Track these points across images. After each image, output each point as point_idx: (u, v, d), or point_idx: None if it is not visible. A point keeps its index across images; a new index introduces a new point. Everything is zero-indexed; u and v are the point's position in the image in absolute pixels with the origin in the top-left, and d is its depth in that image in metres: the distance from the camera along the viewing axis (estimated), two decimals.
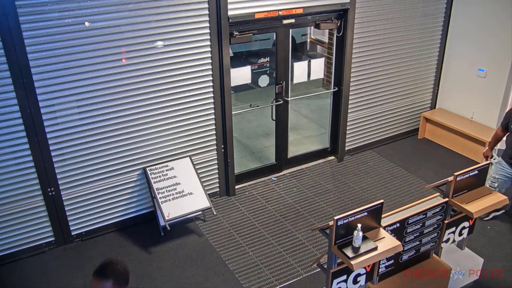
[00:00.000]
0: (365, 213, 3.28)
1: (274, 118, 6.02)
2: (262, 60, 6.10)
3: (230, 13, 4.94)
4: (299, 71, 5.97)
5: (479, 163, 4.36)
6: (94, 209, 5.02)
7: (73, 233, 4.99)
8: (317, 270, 4.56)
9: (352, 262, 3.13)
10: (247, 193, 5.88)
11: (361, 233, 3.19)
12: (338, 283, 3.40)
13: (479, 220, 5.24)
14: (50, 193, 4.70)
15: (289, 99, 5.94)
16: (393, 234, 3.48)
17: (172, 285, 4.45)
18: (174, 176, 5.10)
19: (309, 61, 6.03)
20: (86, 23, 4.32)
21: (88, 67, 4.47)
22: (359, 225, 3.19)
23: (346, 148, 6.64)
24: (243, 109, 6.65)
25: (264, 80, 5.95)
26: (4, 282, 4.49)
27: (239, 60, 7.75)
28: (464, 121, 6.82)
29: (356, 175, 6.24)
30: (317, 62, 6.13)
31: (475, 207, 3.75)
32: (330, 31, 6.17)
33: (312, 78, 6.12)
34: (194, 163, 5.27)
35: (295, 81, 5.98)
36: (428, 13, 6.53)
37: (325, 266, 3.48)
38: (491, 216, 5.31)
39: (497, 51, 6.26)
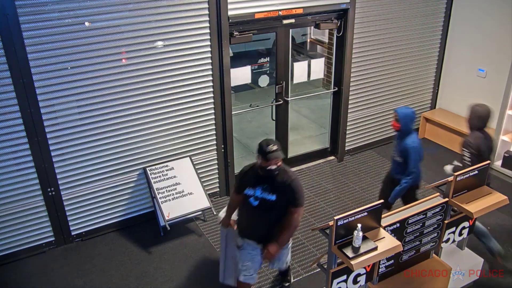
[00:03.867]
0: (365, 213, 3.28)
1: (274, 118, 6.02)
2: (262, 60, 6.09)
3: (230, 13, 4.93)
4: (299, 71, 5.97)
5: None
6: (94, 209, 5.02)
7: (73, 233, 4.99)
8: (317, 270, 4.56)
9: (352, 262, 3.13)
10: None
11: (361, 233, 3.19)
12: (338, 283, 3.40)
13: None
14: (50, 193, 4.70)
15: (289, 99, 5.94)
16: (393, 234, 3.48)
17: (172, 285, 4.45)
18: (174, 176, 5.10)
19: (309, 61, 6.04)
20: (86, 23, 4.32)
21: (88, 67, 4.46)
22: (359, 225, 3.19)
23: (346, 148, 6.63)
24: (243, 109, 6.64)
25: (264, 80, 5.94)
26: (4, 282, 4.48)
27: (239, 60, 7.75)
28: (464, 121, 6.78)
29: (356, 175, 6.24)
30: (317, 62, 6.13)
31: (475, 207, 3.75)
32: (330, 31, 6.17)
33: (312, 78, 6.12)
34: (194, 163, 5.27)
35: (295, 81, 5.98)
36: (428, 13, 6.53)
37: (325, 266, 3.47)
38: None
39: (497, 51, 6.26)
